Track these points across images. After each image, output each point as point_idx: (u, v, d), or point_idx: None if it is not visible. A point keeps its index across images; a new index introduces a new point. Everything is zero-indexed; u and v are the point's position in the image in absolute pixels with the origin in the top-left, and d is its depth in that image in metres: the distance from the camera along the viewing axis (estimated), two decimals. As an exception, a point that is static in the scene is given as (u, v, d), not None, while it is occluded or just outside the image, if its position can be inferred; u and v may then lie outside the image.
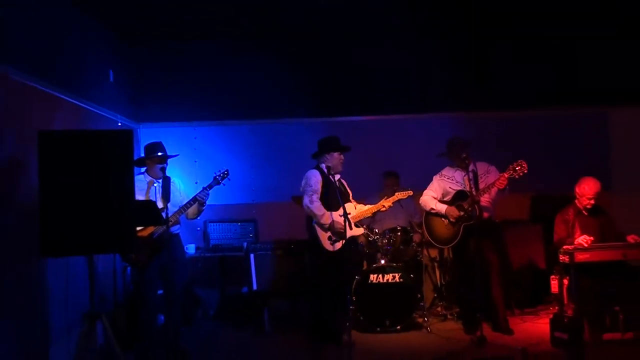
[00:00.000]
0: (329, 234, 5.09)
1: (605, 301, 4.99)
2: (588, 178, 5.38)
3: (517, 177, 5.05)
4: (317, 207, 5.11)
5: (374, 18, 5.85)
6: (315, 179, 5.18)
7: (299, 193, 5.82)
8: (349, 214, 5.02)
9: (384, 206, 5.32)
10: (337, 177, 5.29)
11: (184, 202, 5.06)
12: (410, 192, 5.42)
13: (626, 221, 5.73)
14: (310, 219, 5.28)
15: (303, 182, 5.25)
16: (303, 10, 5.64)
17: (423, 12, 5.66)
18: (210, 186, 5.12)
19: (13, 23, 3.87)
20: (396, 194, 5.35)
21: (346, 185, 5.42)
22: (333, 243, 5.05)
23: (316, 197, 5.13)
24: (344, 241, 5.10)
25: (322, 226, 5.13)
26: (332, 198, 5.09)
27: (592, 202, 5.33)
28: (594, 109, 6.80)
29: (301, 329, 5.56)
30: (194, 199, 5.05)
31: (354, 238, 5.45)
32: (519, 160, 5.05)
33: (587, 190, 5.33)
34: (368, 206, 5.39)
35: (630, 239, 5.20)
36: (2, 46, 3.73)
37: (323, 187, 5.17)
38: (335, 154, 5.27)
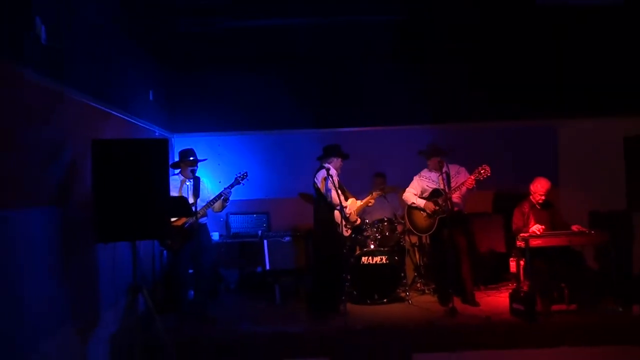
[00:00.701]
0: (344, 222, 5.11)
1: (554, 279, 5.02)
2: (540, 178, 5.39)
3: (481, 178, 5.06)
4: (343, 200, 5.11)
5: (363, 46, 5.90)
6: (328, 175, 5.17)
7: (305, 190, 5.84)
8: (345, 207, 5.08)
9: (370, 202, 5.39)
10: (337, 178, 5.31)
11: (211, 198, 5.09)
12: (379, 193, 5.51)
13: (571, 213, 5.74)
14: (318, 211, 5.30)
15: (320, 178, 5.19)
16: (306, 41, 5.72)
17: (397, 42, 5.75)
18: (232, 185, 5.15)
19: (76, 52, 3.88)
20: (373, 193, 5.43)
21: None
22: (347, 229, 5.13)
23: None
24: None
25: (343, 214, 5.07)
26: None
27: (544, 197, 5.34)
28: (545, 121, 6.78)
29: (306, 301, 5.58)
30: (219, 195, 5.07)
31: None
32: (483, 165, 5.06)
33: (539, 187, 5.34)
34: (360, 201, 5.42)
35: (575, 228, 5.21)
36: (69, 72, 3.75)
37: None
38: (340, 158, 5.33)
